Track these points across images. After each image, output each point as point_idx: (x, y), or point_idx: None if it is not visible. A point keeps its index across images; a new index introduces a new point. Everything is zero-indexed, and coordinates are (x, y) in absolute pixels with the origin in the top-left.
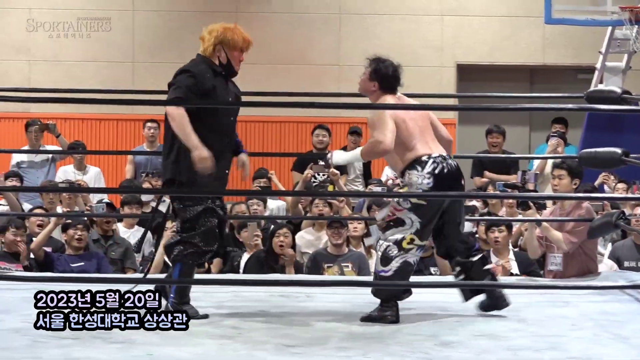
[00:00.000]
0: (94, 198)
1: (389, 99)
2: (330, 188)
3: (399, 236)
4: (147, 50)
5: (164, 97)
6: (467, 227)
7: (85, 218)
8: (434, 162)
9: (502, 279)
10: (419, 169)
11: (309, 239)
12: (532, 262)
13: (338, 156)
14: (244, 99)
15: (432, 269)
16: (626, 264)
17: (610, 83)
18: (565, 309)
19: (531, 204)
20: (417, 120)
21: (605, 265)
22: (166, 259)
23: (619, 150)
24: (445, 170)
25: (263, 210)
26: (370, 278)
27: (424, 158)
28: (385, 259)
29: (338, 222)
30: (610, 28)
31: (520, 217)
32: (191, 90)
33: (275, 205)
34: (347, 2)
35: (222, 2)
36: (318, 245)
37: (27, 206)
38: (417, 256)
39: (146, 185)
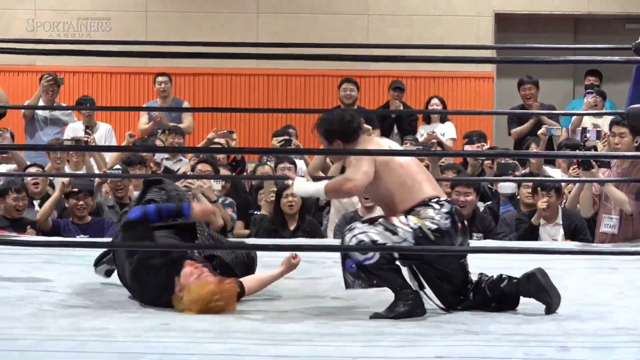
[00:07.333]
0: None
1: (368, 144)
2: None
3: (379, 239)
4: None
5: (177, 48)
6: (508, 188)
7: (96, 183)
8: (449, 206)
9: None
10: (437, 207)
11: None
12: (582, 227)
13: (299, 186)
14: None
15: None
16: None
17: None
18: (612, 275)
19: (594, 164)
20: (416, 163)
21: None
22: None
23: None
24: (457, 218)
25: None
26: None
27: (436, 199)
28: (359, 251)
29: None
30: None
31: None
32: None
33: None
34: None
35: None
36: (349, 208)
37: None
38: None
39: (158, 143)
